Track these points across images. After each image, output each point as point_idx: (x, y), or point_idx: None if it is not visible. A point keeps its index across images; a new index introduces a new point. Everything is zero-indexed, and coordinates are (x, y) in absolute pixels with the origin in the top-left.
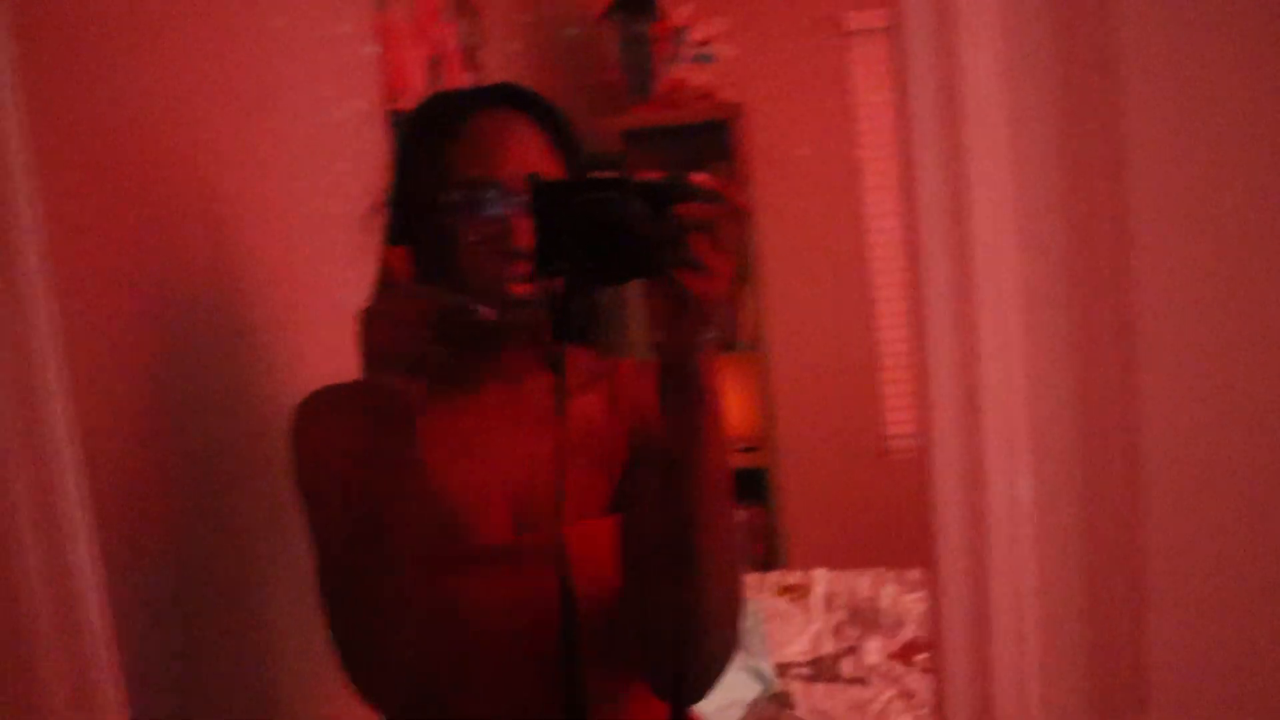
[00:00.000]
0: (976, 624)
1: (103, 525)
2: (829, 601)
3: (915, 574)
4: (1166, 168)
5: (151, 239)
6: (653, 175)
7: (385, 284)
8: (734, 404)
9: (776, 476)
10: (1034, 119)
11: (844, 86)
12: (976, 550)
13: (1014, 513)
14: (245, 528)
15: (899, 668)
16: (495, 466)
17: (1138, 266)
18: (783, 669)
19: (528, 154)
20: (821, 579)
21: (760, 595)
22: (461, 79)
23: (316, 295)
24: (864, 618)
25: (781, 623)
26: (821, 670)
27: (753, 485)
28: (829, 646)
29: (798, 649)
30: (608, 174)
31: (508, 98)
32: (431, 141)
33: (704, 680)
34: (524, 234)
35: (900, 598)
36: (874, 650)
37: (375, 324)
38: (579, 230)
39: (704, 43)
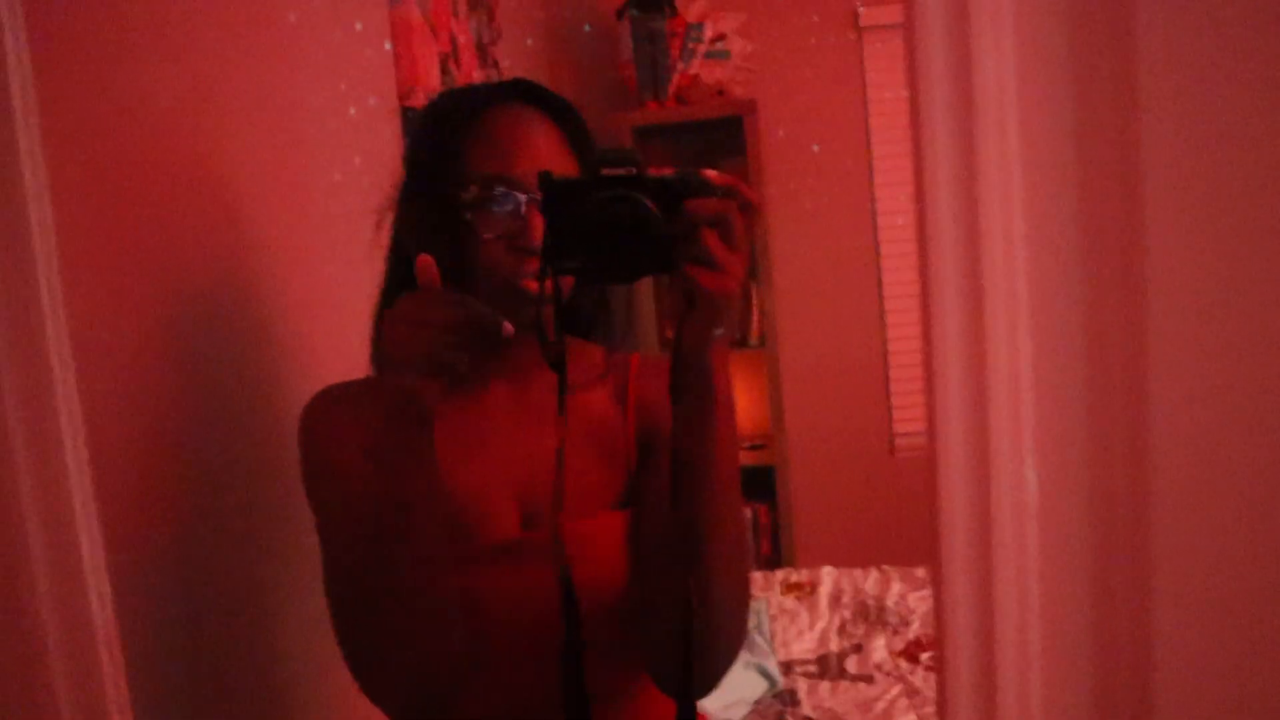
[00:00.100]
0: (980, 622)
1: (110, 527)
2: (835, 599)
3: (921, 572)
4: (1181, 164)
5: (163, 237)
6: (664, 172)
7: (415, 287)
8: (743, 401)
9: (784, 474)
10: (1047, 115)
11: (857, 83)
12: (981, 548)
13: (1019, 511)
14: (253, 530)
15: (905, 666)
16: (502, 463)
17: (1149, 265)
18: (788, 666)
19: (541, 150)
20: (828, 577)
21: (767, 593)
22: (475, 75)
23: (329, 293)
24: (870, 616)
25: (788, 620)
26: (827, 668)
27: (761, 483)
28: (835, 644)
29: (804, 646)
30: (620, 171)
31: (521, 94)
32: (445, 138)
33: (709, 676)
34: (539, 231)
35: (906, 596)
36: (880, 648)
37: (401, 326)
38: (591, 227)
39: (718, 39)
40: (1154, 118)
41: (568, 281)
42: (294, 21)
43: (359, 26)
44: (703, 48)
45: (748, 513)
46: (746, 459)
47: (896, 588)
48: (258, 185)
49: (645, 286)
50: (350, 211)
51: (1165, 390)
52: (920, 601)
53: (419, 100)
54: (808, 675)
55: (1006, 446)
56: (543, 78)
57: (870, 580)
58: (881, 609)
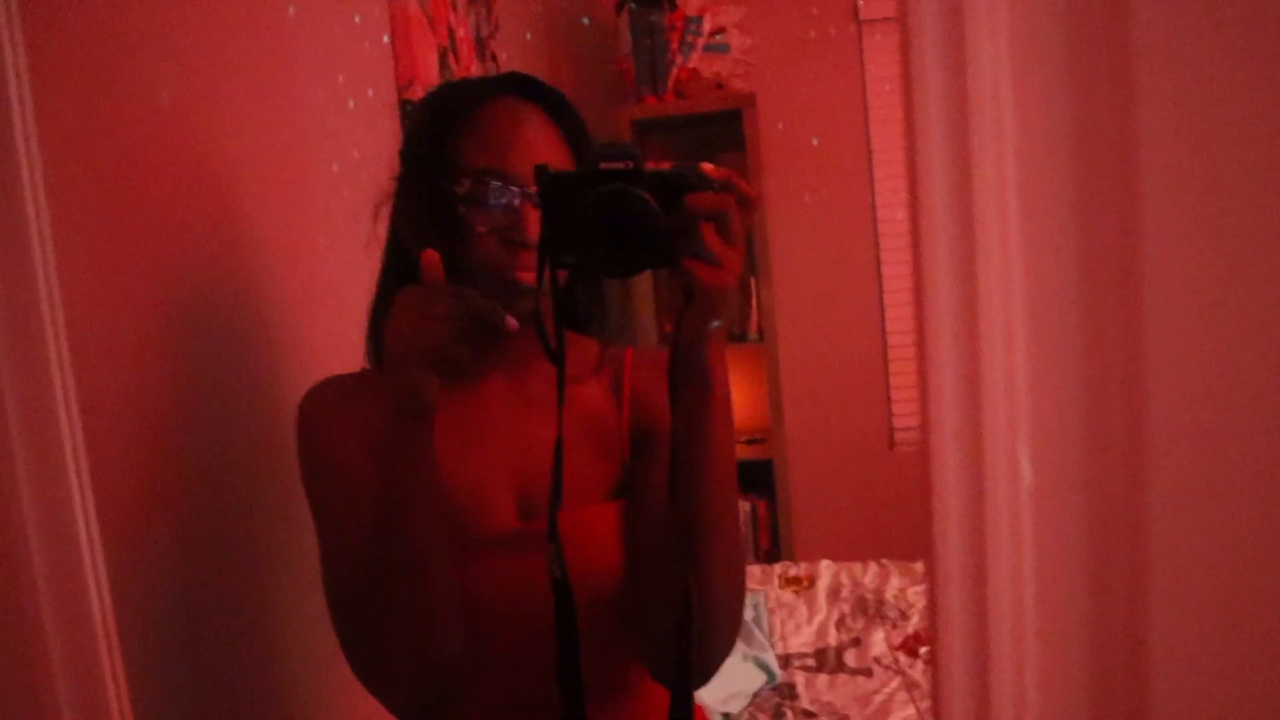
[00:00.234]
0: (974, 613)
1: (108, 527)
2: (834, 593)
3: (920, 566)
4: (1177, 155)
5: (160, 232)
6: (662, 166)
7: (413, 280)
8: (742, 395)
9: (783, 468)
10: (1043, 108)
11: (857, 76)
12: (976, 539)
13: (1015, 503)
14: (253, 528)
15: (903, 659)
16: (500, 455)
17: (1146, 257)
18: (787, 660)
19: (537, 144)
20: (827, 570)
21: (765, 586)
22: (473, 69)
23: (328, 288)
24: (869, 609)
25: (786, 614)
26: (826, 662)
27: (760, 477)
28: (833, 638)
29: (802, 640)
30: (617, 165)
31: (516, 88)
32: (440, 132)
33: (705, 667)
34: (533, 225)
35: (905, 590)
36: (878, 642)
37: (405, 319)
38: (589, 222)
39: (717, 32)
40: (1151, 112)
41: (561, 274)
42: (293, 15)
43: (357, 19)
44: (702, 41)
45: (746, 506)
46: (745, 453)
47: (895, 582)
48: (256, 179)
49: (644, 282)
50: (349, 205)
51: (1162, 382)
52: (919, 596)
53: (417, 93)
54: (806, 669)
55: (1001, 438)
56: (541, 71)
57: (869, 574)
58: (880, 603)
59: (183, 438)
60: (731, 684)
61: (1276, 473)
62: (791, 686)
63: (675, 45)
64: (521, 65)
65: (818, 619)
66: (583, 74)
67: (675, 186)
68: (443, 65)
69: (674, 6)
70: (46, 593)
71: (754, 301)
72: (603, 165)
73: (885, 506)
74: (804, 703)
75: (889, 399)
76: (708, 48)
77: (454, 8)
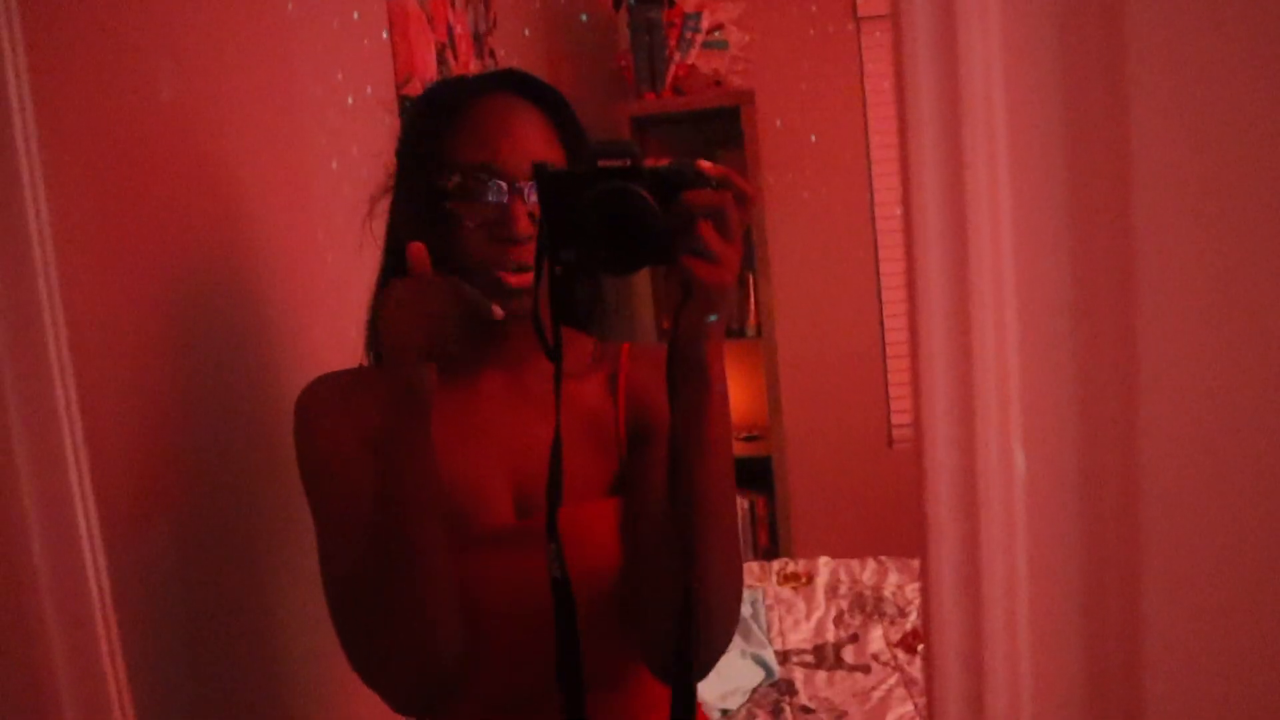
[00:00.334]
0: (968, 606)
1: (108, 525)
2: (832, 590)
3: (918, 563)
4: (1169, 150)
5: (160, 229)
6: (660, 163)
7: (407, 274)
8: (740, 392)
9: (782, 465)
10: (1036, 106)
11: (855, 73)
12: (969, 531)
13: (1008, 495)
14: (253, 526)
15: (901, 656)
16: (497, 451)
17: (1137, 250)
18: (785, 656)
19: (528, 139)
20: (825, 567)
21: (764, 583)
22: (472, 65)
23: (328, 284)
24: (867, 606)
25: (784, 610)
26: (824, 658)
27: (758, 473)
28: (832, 634)
29: (800, 636)
30: (616, 162)
31: (510, 84)
32: (432, 128)
33: (702, 662)
34: (522, 220)
35: (904, 587)
36: (877, 638)
37: (397, 313)
38: (587, 219)
39: (715, 29)
40: (1143, 108)
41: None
42: (291, 11)
43: (356, 16)
44: (700, 38)
45: (744, 503)
46: (744, 450)
47: (894, 578)
48: (255, 176)
49: (643, 279)
50: (348, 202)
51: (1155, 377)
52: (917, 592)
53: (416, 90)
54: (804, 665)
55: (995, 433)
56: (539, 68)
57: (867, 571)
58: (878, 599)
59: (182, 435)
60: (730, 681)
61: (1270, 467)
62: (790, 683)
63: (674, 42)
64: (520, 62)
65: (816, 615)
66: (581, 70)
67: (673, 184)
68: (441, 62)
69: (672, 3)
70: (48, 591)
71: (752, 298)
72: (601, 163)
73: (883, 503)
74: (802, 699)
75: (887, 396)
76: (706, 44)
77: (452, 5)
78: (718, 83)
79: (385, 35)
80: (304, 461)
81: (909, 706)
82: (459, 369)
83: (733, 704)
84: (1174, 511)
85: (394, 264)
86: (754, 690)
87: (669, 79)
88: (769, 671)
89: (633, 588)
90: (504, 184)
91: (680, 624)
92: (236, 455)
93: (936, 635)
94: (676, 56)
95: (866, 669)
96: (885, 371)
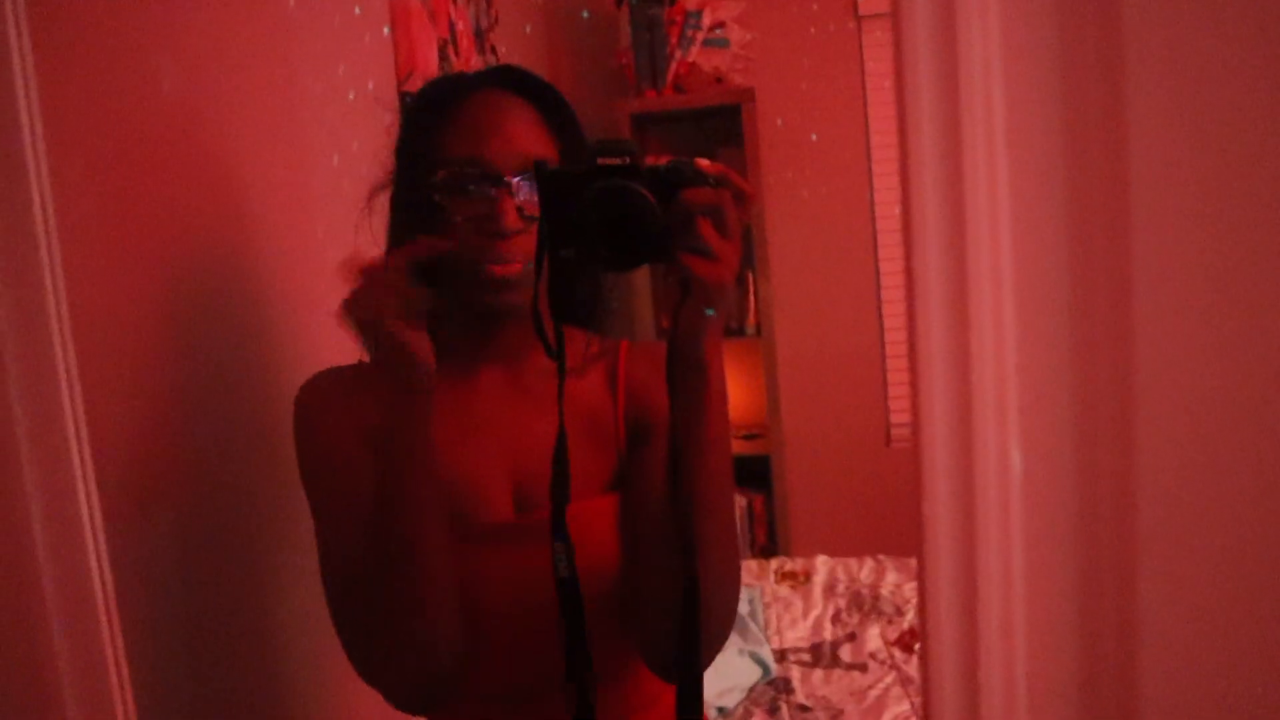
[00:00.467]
0: (964, 603)
1: (109, 520)
2: (830, 588)
3: (916, 562)
4: (1166, 149)
5: (161, 224)
6: (659, 161)
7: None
8: (738, 390)
9: (780, 463)
10: (1034, 106)
11: (856, 72)
12: (965, 527)
13: (1004, 498)
14: (254, 523)
15: (899, 655)
16: (496, 447)
17: (1135, 252)
18: (782, 654)
19: (518, 135)
20: (823, 566)
21: (761, 581)
22: (473, 62)
23: (328, 279)
24: (864, 605)
25: (782, 608)
26: (821, 656)
27: (756, 472)
28: (829, 633)
29: (798, 635)
30: (615, 161)
31: (504, 80)
32: (427, 125)
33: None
34: (510, 214)
35: (901, 586)
36: (874, 637)
37: (360, 305)
38: (587, 217)
39: (716, 26)
40: (1141, 106)
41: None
42: (293, 7)
43: (358, 11)
44: (701, 35)
45: (743, 501)
46: (742, 448)
47: (891, 577)
48: (257, 171)
49: (642, 277)
50: (349, 197)
51: (1151, 375)
52: (914, 591)
53: (417, 86)
54: (801, 663)
55: (992, 430)
56: (540, 65)
57: (865, 569)
58: (876, 598)
59: (182, 430)
60: (727, 678)
61: (1265, 465)
62: (787, 681)
63: (675, 39)
64: (521, 58)
65: (813, 614)
66: (582, 68)
67: (672, 182)
68: (443, 58)
69: (673, 1)
70: (51, 585)
71: (752, 296)
72: (600, 161)
73: (882, 502)
74: (799, 697)
75: (886, 395)
76: (707, 42)
77: (454, 1)
78: (718, 80)
79: (387, 31)
80: (303, 458)
81: (905, 705)
82: (457, 364)
83: (730, 702)
84: (1170, 511)
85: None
86: (751, 688)
87: (670, 76)
88: (766, 669)
89: (631, 585)
90: (492, 177)
91: (684, 621)
92: (236, 450)
93: (933, 634)
94: (677, 54)
95: (863, 667)
96: (884, 371)
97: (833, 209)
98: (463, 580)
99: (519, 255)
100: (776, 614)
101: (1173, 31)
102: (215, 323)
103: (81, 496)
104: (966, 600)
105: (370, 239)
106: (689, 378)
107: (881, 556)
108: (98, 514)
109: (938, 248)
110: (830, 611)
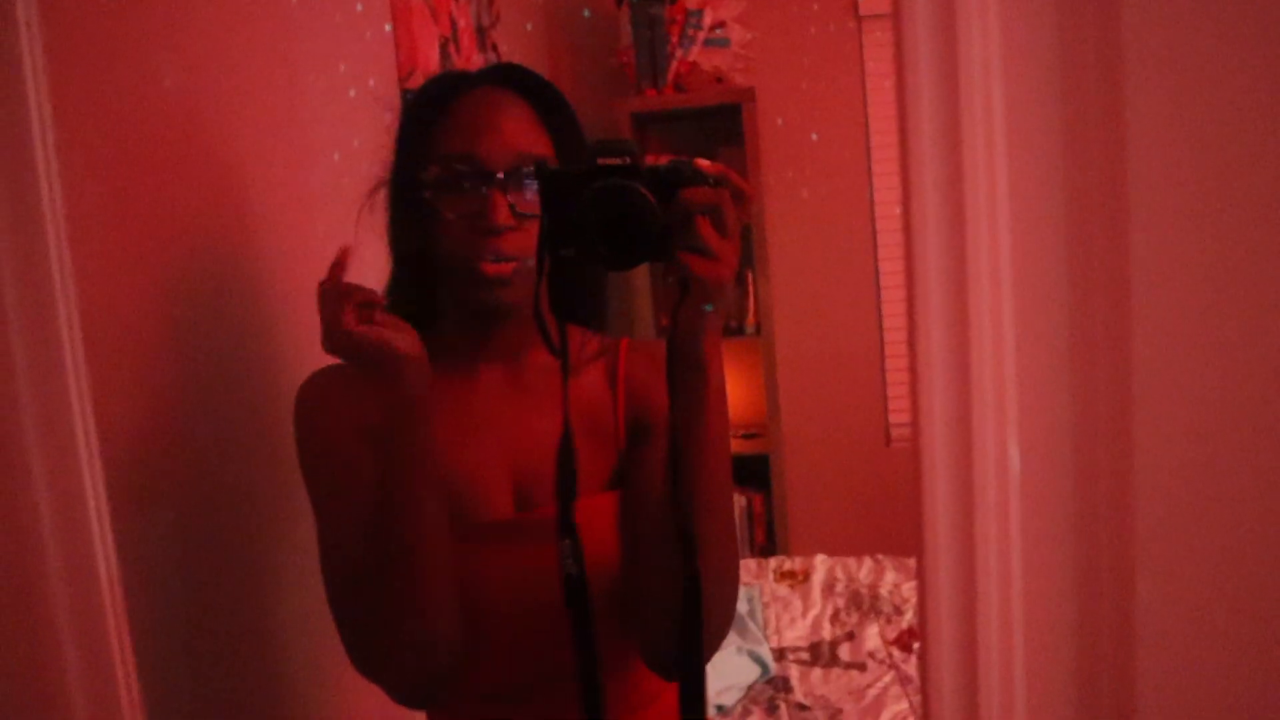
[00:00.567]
0: (963, 601)
1: (114, 518)
2: (829, 587)
3: (915, 561)
4: (1164, 149)
5: (164, 221)
6: (658, 160)
7: (417, 270)
8: (738, 389)
9: (779, 462)
10: (1034, 106)
11: (856, 71)
12: (964, 527)
13: (1003, 491)
14: (256, 521)
15: (897, 654)
16: (496, 444)
17: (1133, 252)
18: (781, 653)
19: (511, 132)
20: (822, 565)
21: (760, 580)
22: (474, 59)
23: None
24: (863, 604)
25: (781, 607)
26: (820, 655)
27: (755, 471)
28: (828, 632)
29: (797, 634)
30: (615, 160)
31: (500, 78)
32: (423, 122)
33: None
34: (502, 211)
35: (900, 585)
36: (873, 636)
37: (324, 327)
38: (586, 216)
39: (717, 26)
40: (1140, 107)
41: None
42: (295, 3)
43: (359, 8)
44: (702, 35)
45: (742, 500)
46: (742, 447)
47: (890, 577)
48: (258, 167)
49: (642, 276)
50: (350, 194)
51: (1149, 375)
52: (913, 591)
53: (419, 83)
54: (800, 662)
55: (991, 430)
56: (541, 63)
57: (864, 569)
58: (875, 597)
59: (184, 426)
60: (725, 677)
61: (1263, 464)
62: (785, 680)
63: (675, 39)
64: (521, 57)
65: (812, 613)
66: (583, 66)
67: (671, 181)
68: (444, 55)
69: (674, 0)
70: (58, 580)
71: (751, 296)
72: (600, 161)
73: (881, 502)
74: (798, 696)
75: (885, 395)
76: (708, 42)
77: None
78: (719, 80)
79: (388, 28)
80: (304, 456)
81: (904, 704)
82: (456, 361)
83: (728, 700)
84: (1168, 510)
85: (400, 258)
86: (750, 687)
87: (670, 76)
88: (765, 668)
89: (631, 583)
90: (484, 174)
91: (685, 619)
92: (237, 449)
93: (932, 633)
94: (678, 53)
95: (862, 667)
96: (883, 370)
97: (833, 209)
98: (463, 578)
99: (513, 253)
100: (775, 613)
101: (1172, 32)
102: (215, 321)
103: (89, 495)
104: (965, 599)
105: (370, 238)
106: (688, 376)
107: (880, 556)
108: (105, 513)
109: (937, 248)
110: (829, 611)
